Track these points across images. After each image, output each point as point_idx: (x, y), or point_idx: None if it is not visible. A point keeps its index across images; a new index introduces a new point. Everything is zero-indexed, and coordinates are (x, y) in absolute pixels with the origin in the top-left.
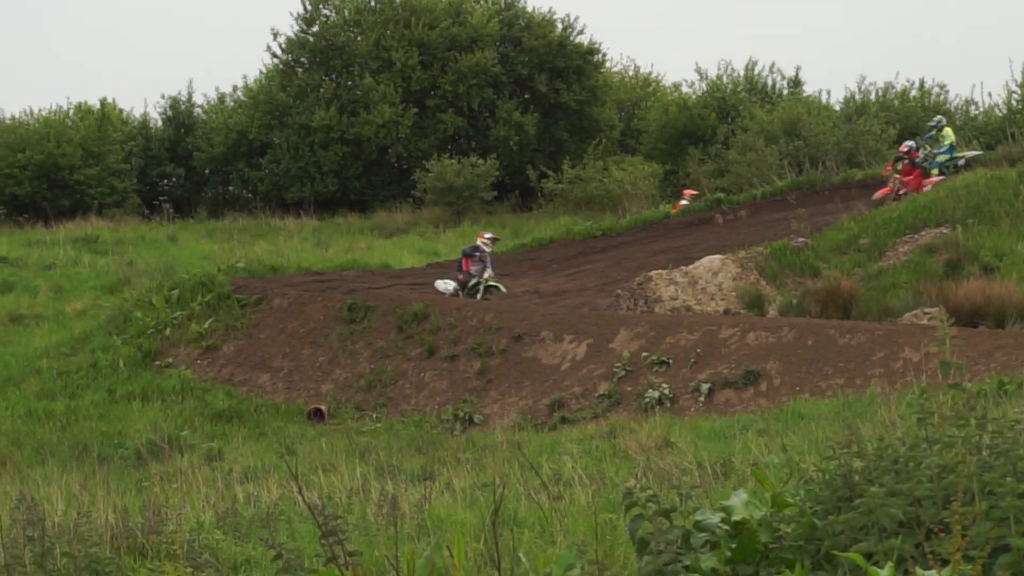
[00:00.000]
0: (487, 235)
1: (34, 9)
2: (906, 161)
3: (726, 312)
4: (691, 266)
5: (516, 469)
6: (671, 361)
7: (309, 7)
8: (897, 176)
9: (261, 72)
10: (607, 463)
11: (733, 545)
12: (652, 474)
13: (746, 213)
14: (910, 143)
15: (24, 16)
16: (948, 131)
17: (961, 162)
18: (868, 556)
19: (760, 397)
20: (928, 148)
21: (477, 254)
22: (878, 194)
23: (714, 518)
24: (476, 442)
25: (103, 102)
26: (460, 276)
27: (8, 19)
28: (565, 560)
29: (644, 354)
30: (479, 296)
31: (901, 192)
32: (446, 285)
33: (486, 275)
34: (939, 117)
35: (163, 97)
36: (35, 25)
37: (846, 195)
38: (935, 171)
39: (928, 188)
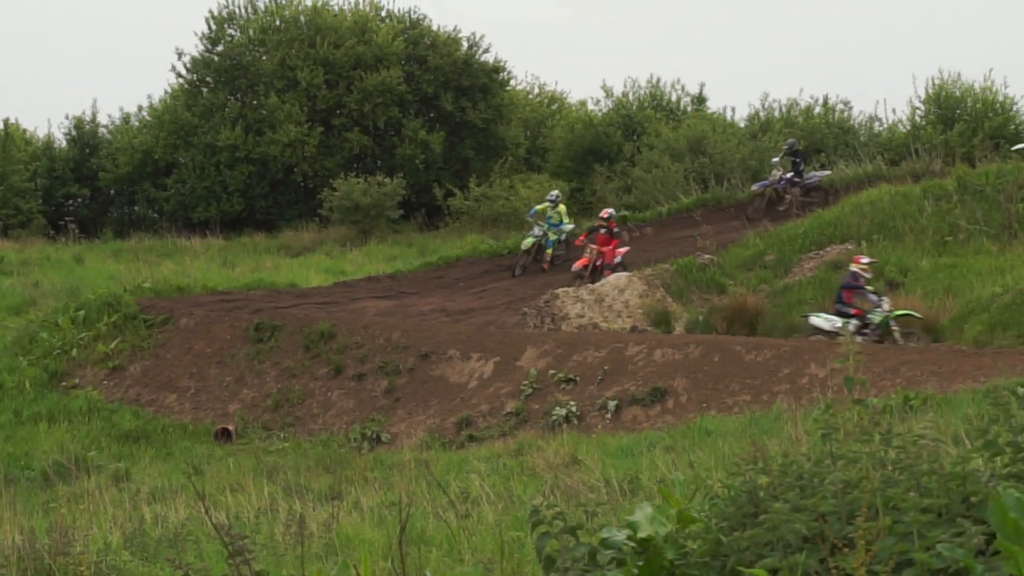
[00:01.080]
0: (864, 259)
1: None
2: (603, 230)
3: (633, 329)
4: (597, 284)
5: (424, 488)
6: (578, 379)
7: (214, 27)
8: (593, 247)
9: (166, 92)
10: (515, 481)
11: (640, 562)
12: (560, 492)
13: (652, 230)
14: (610, 211)
15: None
16: (563, 207)
17: (564, 235)
18: (773, 572)
19: (667, 414)
20: (542, 224)
21: (860, 286)
22: (576, 265)
23: (620, 535)
24: (384, 461)
25: (6, 122)
26: (854, 311)
27: None
28: None
29: (551, 372)
30: (897, 337)
31: (598, 263)
32: (833, 323)
33: (886, 306)
34: (556, 192)
35: (67, 118)
36: None
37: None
38: (550, 250)
39: (618, 259)
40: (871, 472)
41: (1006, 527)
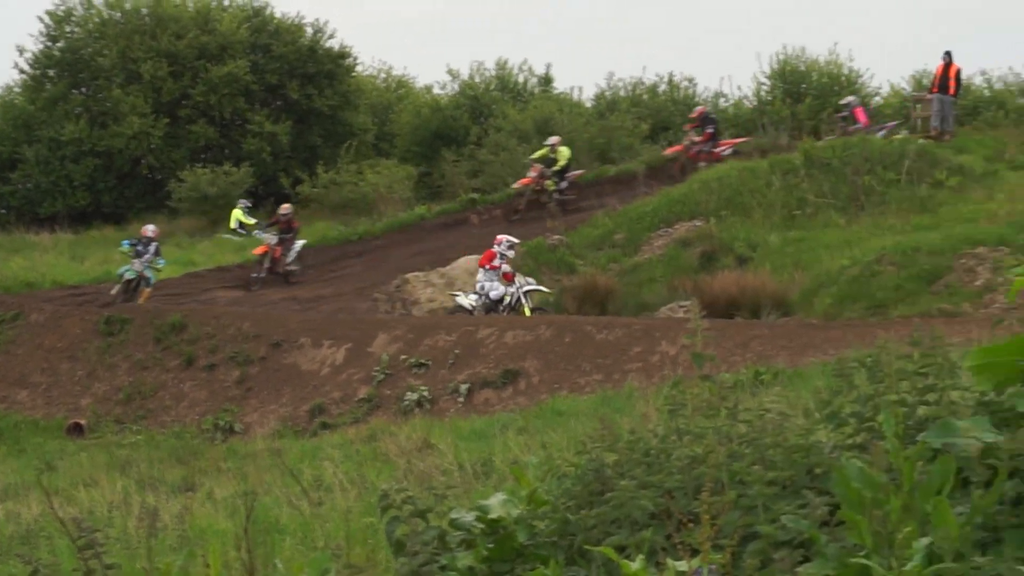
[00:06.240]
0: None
1: None
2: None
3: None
4: (448, 267)
5: (278, 476)
6: (430, 363)
7: (51, 24)
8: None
9: (2, 88)
10: (368, 467)
11: (490, 544)
12: (413, 476)
13: (501, 212)
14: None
15: None
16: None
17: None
18: (621, 549)
19: (519, 396)
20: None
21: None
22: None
23: (469, 516)
24: (237, 451)
25: None
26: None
27: None
28: (319, 564)
29: (403, 357)
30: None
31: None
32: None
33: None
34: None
35: None
36: None
37: (600, 191)
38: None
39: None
40: (717, 447)
41: (849, 497)
